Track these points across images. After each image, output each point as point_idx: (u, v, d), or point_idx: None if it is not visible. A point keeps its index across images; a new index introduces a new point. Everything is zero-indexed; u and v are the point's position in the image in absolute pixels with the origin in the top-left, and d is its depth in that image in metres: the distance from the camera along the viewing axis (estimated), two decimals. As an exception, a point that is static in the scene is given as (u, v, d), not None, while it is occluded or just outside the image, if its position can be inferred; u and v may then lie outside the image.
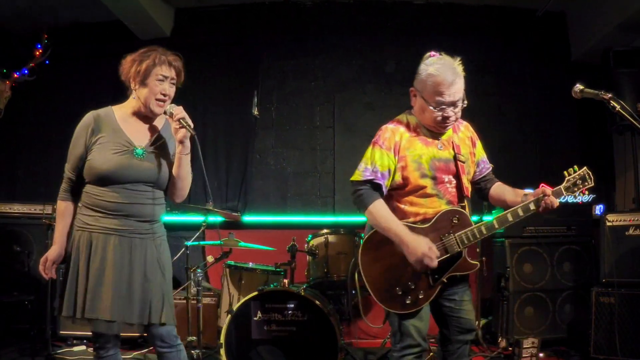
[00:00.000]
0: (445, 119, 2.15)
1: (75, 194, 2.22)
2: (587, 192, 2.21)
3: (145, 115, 2.24)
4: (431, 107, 2.14)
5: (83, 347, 3.96)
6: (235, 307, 3.32)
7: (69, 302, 2.08)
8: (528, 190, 2.22)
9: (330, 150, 5.14)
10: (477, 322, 4.04)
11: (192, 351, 3.14)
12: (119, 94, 2.29)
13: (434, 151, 2.22)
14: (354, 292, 2.52)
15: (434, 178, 2.20)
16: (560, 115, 5.11)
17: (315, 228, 4.10)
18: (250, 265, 3.85)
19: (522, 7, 5.16)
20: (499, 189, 2.36)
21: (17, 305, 4.03)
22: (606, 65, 4.37)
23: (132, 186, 2.15)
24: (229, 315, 3.27)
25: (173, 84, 2.22)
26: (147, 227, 2.18)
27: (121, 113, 2.23)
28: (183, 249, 3.51)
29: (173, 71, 2.20)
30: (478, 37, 5.18)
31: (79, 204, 2.21)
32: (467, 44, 5.09)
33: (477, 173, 2.40)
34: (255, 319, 3.30)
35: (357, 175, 2.22)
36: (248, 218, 4.99)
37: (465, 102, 2.18)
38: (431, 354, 3.31)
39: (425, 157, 2.20)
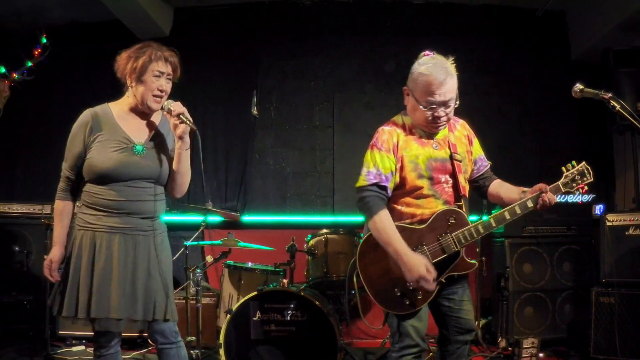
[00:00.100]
0: (436, 118, 2.14)
1: (74, 193, 2.22)
2: (586, 188, 2.18)
3: (142, 112, 2.23)
4: (422, 107, 2.13)
5: (82, 347, 3.95)
6: (234, 307, 3.31)
7: (70, 302, 2.06)
8: (526, 188, 2.21)
9: (329, 150, 5.14)
10: (476, 322, 4.04)
11: (192, 351, 3.13)
12: (118, 93, 2.28)
13: (430, 151, 2.21)
14: (352, 292, 2.52)
15: (430, 178, 2.19)
16: (560, 115, 5.10)
17: (314, 228, 4.10)
18: (250, 265, 3.85)
19: (522, 7, 5.16)
20: (498, 187, 2.35)
21: (16, 305, 4.02)
22: (606, 65, 4.36)
23: (133, 183, 2.14)
24: (228, 316, 3.27)
25: (169, 79, 2.21)
26: (149, 224, 2.18)
27: (118, 110, 2.22)
28: (182, 249, 3.51)
29: (169, 67, 2.19)
30: (478, 36, 5.18)
31: (79, 203, 2.20)
32: (467, 43, 5.09)
33: (475, 171, 2.38)
34: (254, 319, 3.30)
35: (362, 181, 2.19)
36: (247, 218, 4.98)
37: (458, 102, 2.16)
38: (431, 354, 3.31)
39: (421, 157, 2.19)
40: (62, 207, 2.21)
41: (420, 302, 2.15)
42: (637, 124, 2.04)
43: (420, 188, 2.19)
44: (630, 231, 3.61)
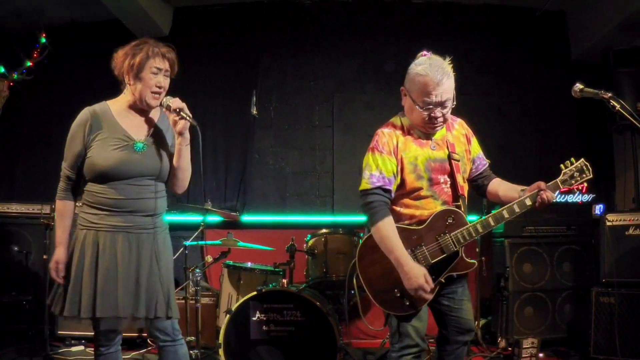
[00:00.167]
0: (433, 119, 2.14)
1: (74, 193, 2.21)
2: (586, 185, 2.17)
3: (140, 109, 2.23)
4: (419, 107, 2.13)
5: (81, 347, 3.95)
6: (233, 307, 3.31)
7: (72, 301, 2.06)
8: (525, 187, 2.21)
9: (329, 150, 5.13)
10: (476, 322, 4.04)
11: (191, 351, 3.13)
12: (118, 93, 2.28)
13: (428, 152, 2.21)
14: (352, 292, 2.51)
15: (429, 179, 2.19)
16: (560, 115, 5.10)
17: (314, 228, 4.10)
18: (249, 265, 3.85)
19: (522, 6, 5.15)
20: (497, 185, 2.35)
21: (15, 305, 4.02)
22: (606, 65, 4.36)
23: (134, 181, 2.14)
24: (228, 316, 3.26)
25: (167, 75, 2.20)
26: (151, 222, 2.18)
27: (117, 107, 2.21)
28: (182, 249, 3.51)
29: (167, 63, 2.18)
30: (477, 36, 5.18)
31: (79, 203, 2.20)
32: (467, 43, 5.09)
33: (474, 170, 2.38)
34: (254, 319, 3.29)
35: (365, 184, 2.18)
36: (247, 218, 4.98)
37: (455, 102, 2.16)
38: (431, 353, 3.30)
39: (420, 158, 2.19)
40: (63, 208, 2.20)
41: (420, 303, 2.15)
42: (637, 123, 2.03)
43: (419, 189, 2.18)
44: (630, 231, 3.60)
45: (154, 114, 2.29)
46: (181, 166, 2.24)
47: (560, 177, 2.17)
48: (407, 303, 2.14)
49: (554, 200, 2.16)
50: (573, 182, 2.16)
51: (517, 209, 2.14)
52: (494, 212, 2.18)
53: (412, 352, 2.16)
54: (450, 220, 2.16)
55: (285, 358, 3.27)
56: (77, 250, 2.11)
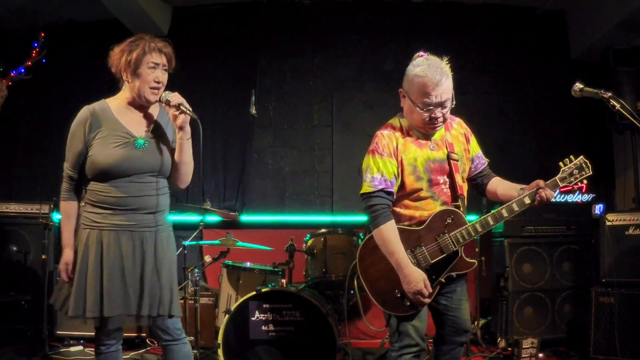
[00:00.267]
0: (433, 119, 2.13)
1: (77, 193, 2.20)
2: (586, 182, 2.16)
3: (140, 105, 2.22)
4: (418, 108, 2.12)
5: (80, 347, 3.95)
6: (233, 307, 3.30)
7: (77, 301, 2.05)
8: (525, 185, 2.20)
9: (328, 149, 5.13)
10: (476, 322, 4.03)
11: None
12: (117, 91, 2.27)
13: (427, 152, 2.20)
14: (352, 292, 2.51)
15: (429, 180, 2.18)
16: (560, 114, 5.09)
17: (313, 227, 4.09)
18: (248, 265, 3.84)
19: (522, 6, 5.14)
20: (496, 184, 2.34)
21: (14, 305, 4.02)
22: (606, 64, 4.35)
23: (136, 178, 2.13)
24: (227, 316, 3.25)
25: (165, 70, 2.19)
26: (153, 220, 2.17)
27: (116, 105, 2.20)
28: (180, 249, 3.50)
29: (164, 58, 2.17)
30: (477, 35, 5.17)
31: (82, 202, 2.19)
32: (466, 42, 5.08)
33: (473, 169, 2.37)
34: (253, 319, 3.29)
35: (367, 187, 2.17)
36: (246, 217, 4.97)
37: (454, 102, 2.15)
38: (431, 353, 3.29)
39: (420, 159, 2.18)
40: (68, 208, 2.19)
41: (420, 304, 2.14)
42: (637, 123, 2.03)
43: (419, 190, 2.18)
44: (630, 231, 3.60)
45: (154, 110, 2.28)
46: (183, 160, 2.24)
47: (560, 175, 2.16)
48: (408, 303, 2.14)
49: (554, 200, 2.15)
50: (572, 179, 2.15)
51: (516, 208, 2.14)
52: (493, 211, 2.17)
53: (412, 352, 2.16)
54: (449, 220, 2.16)
55: (284, 358, 3.27)
56: (80, 250, 2.11)
